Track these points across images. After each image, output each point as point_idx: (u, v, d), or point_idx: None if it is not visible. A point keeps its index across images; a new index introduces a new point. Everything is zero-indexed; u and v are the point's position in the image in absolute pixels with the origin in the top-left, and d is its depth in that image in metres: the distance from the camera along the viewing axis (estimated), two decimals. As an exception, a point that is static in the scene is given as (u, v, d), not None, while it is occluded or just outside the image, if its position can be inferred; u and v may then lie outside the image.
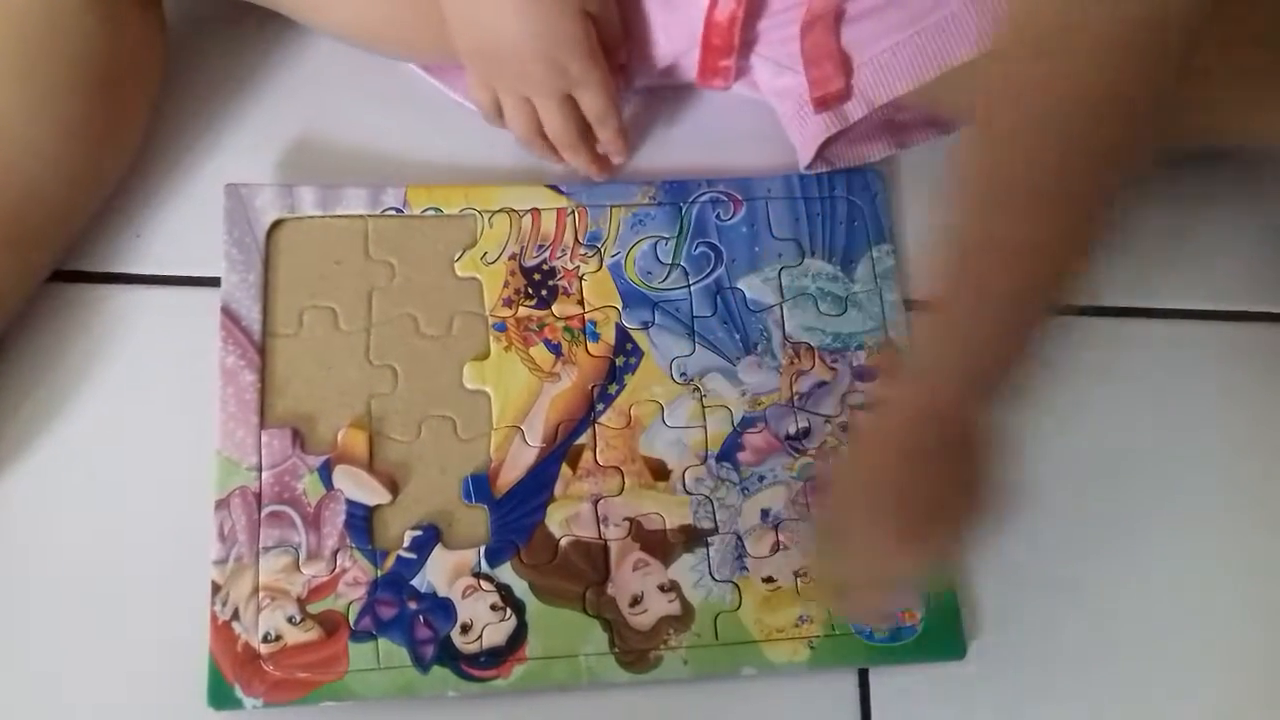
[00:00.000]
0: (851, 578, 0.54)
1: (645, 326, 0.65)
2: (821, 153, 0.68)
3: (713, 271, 0.66)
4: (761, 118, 0.70)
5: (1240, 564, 0.65)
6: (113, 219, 0.66)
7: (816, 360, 0.65)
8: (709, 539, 0.61)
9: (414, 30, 0.65)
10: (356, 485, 0.60)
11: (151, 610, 0.59)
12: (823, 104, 0.66)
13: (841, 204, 0.69)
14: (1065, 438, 0.66)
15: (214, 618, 0.57)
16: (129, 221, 0.66)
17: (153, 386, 0.63)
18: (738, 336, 0.65)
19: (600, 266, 0.66)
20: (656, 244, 0.67)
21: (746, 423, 0.63)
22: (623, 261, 0.66)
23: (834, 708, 0.60)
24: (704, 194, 0.68)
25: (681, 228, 0.67)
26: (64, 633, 0.58)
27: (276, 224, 0.64)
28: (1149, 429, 0.67)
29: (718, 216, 0.68)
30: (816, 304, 0.66)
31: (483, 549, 0.60)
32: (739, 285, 0.66)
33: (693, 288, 0.66)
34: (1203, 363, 0.69)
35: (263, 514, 0.59)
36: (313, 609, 0.58)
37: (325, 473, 0.60)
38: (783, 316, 0.66)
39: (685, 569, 0.60)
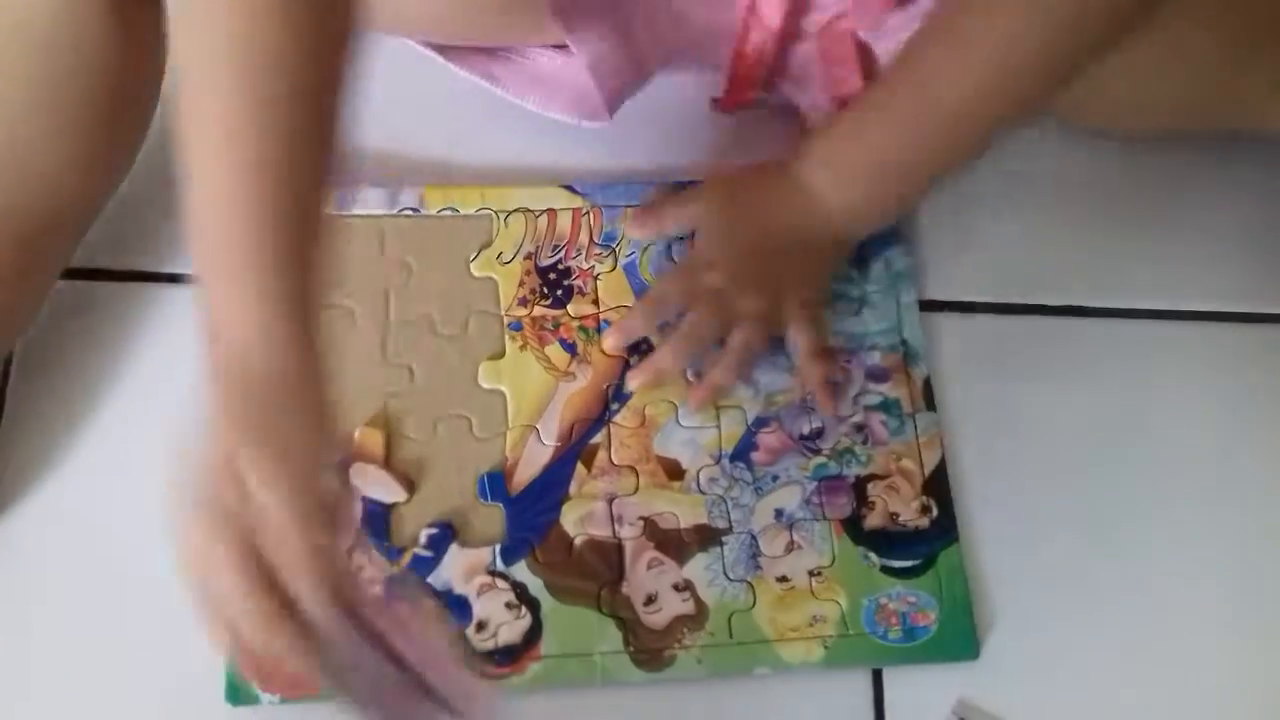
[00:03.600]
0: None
1: (660, 326, 0.65)
2: None
3: (727, 272, 0.67)
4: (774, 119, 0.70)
5: (1246, 562, 0.65)
6: (131, 217, 0.66)
7: (829, 360, 0.65)
8: (723, 538, 0.61)
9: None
10: (373, 483, 0.61)
11: (169, 607, 0.59)
12: (841, 104, 0.67)
13: (856, 205, 0.69)
14: (1071, 437, 0.66)
15: (232, 614, 0.57)
16: (147, 220, 0.66)
17: (175, 383, 0.61)
18: (752, 336, 0.65)
19: (615, 266, 0.66)
20: (670, 244, 0.67)
21: (760, 423, 0.64)
22: (637, 261, 0.67)
23: (848, 706, 0.60)
24: (718, 194, 0.68)
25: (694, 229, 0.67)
26: (85, 627, 0.59)
27: (294, 223, 0.65)
28: (1140, 428, 0.67)
29: (733, 217, 0.68)
30: (831, 304, 0.66)
31: (498, 547, 0.60)
32: (753, 285, 0.66)
33: (707, 288, 0.66)
34: (1187, 363, 0.69)
35: (280, 511, 0.59)
36: (330, 606, 0.58)
37: (342, 471, 0.61)
38: (797, 317, 0.66)
39: (699, 568, 0.60)
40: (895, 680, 0.60)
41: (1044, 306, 0.70)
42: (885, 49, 0.66)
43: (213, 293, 0.47)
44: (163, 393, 0.62)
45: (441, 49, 0.69)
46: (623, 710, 0.59)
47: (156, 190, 0.65)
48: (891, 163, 0.62)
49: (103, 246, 0.65)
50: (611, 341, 0.64)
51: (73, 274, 0.64)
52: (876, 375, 0.65)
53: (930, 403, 0.65)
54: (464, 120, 0.70)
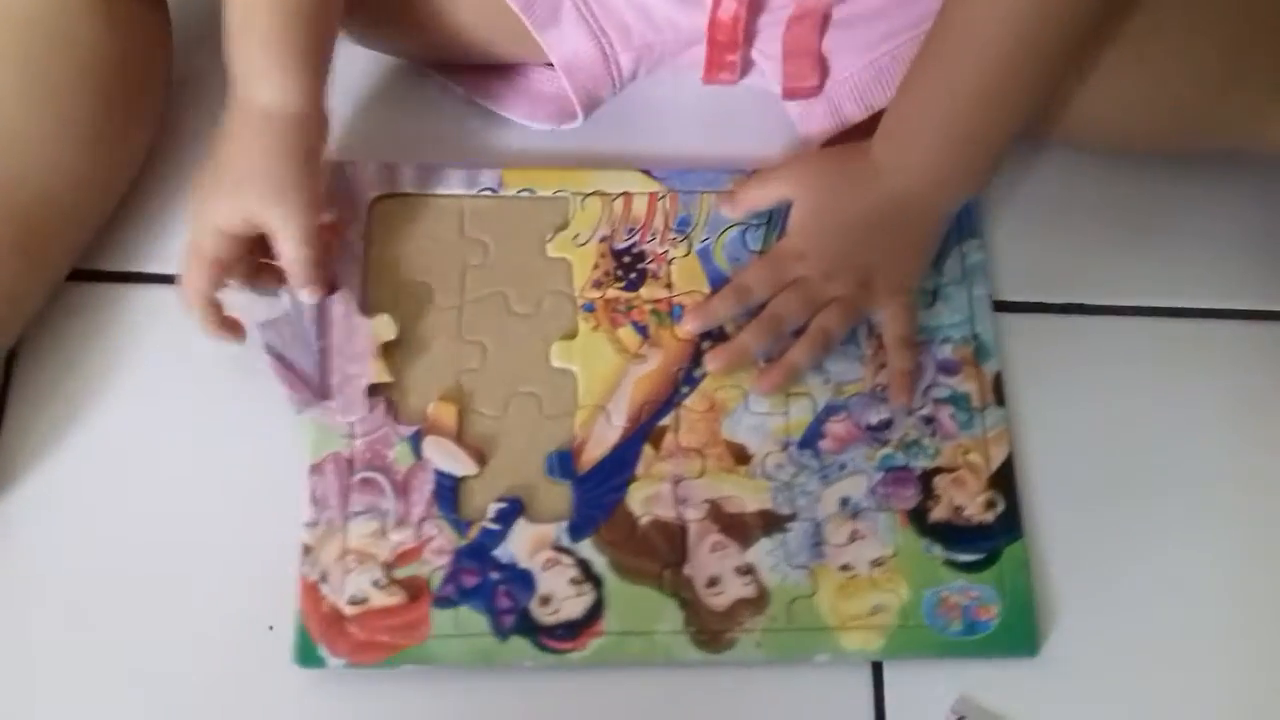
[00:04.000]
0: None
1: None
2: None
3: (801, 260, 0.67)
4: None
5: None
6: (130, 218, 0.67)
7: (901, 352, 0.65)
8: (787, 524, 0.61)
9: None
10: (445, 456, 0.62)
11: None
12: (791, 95, 0.68)
13: (933, 197, 0.68)
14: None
15: (303, 579, 0.59)
16: (147, 221, 0.67)
17: (175, 384, 0.64)
18: (823, 325, 0.65)
19: (689, 251, 0.67)
20: (745, 231, 0.67)
21: (830, 410, 0.64)
22: (712, 247, 0.67)
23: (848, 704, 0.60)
24: (795, 183, 0.68)
25: (771, 215, 0.68)
26: (96, 618, 0.60)
27: (377, 200, 0.66)
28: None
29: (807, 205, 0.68)
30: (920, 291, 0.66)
31: (565, 524, 0.61)
32: (826, 275, 0.67)
33: (780, 275, 0.66)
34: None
35: (354, 479, 0.61)
36: (398, 574, 0.59)
37: (415, 442, 0.62)
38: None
39: (762, 553, 0.61)
40: (895, 678, 0.60)
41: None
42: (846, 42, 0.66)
43: (242, 58, 0.59)
44: (161, 393, 0.64)
45: (438, 67, 0.71)
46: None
47: (157, 193, 0.68)
48: (951, 121, 0.61)
49: (103, 248, 0.66)
50: (690, 326, 0.64)
51: (74, 275, 0.65)
52: (948, 368, 0.65)
53: (1000, 398, 0.64)
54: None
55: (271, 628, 0.59)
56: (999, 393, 0.65)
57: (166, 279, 0.65)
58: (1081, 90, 0.62)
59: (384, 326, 0.63)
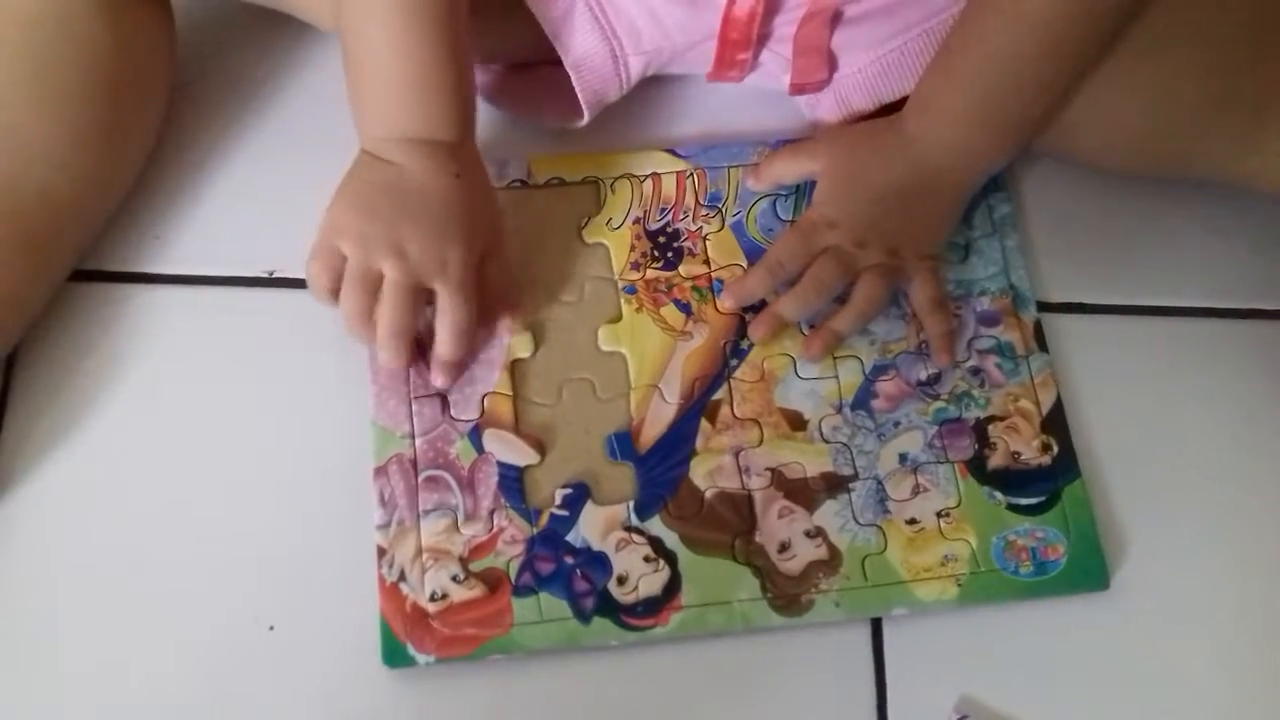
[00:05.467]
0: None
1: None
2: None
3: (833, 226, 0.68)
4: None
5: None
6: (132, 219, 0.67)
7: (941, 307, 0.66)
8: (850, 485, 0.62)
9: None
10: (506, 447, 0.62)
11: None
12: (799, 90, 0.69)
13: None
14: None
15: (381, 580, 0.59)
16: (149, 222, 0.67)
17: (177, 385, 0.64)
18: (862, 287, 0.66)
19: (723, 226, 0.68)
20: (775, 201, 0.68)
21: (878, 370, 0.65)
22: (744, 220, 0.68)
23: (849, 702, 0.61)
24: (819, 149, 0.69)
25: (800, 184, 0.68)
26: (112, 618, 0.59)
27: (411, 198, 0.66)
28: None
29: (834, 171, 0.69)
30: (944, 254, 0.67)
31: (631, 504, 0.61)
32: (860, 237, 0.67)
33: (815, 242, 0.67)
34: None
35: (420, 479, 0.61)
36: (475, 567, 0.60)
37: (475, 437, 0.62)
38: (907, 265, 0.67)
39: (829, 515, 0.62)
40: (897, 679, 0.61)
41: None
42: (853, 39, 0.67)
43: (375, 97, 0.60)
44: (162, 394, 0.64)
45: None
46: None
47: (160, 194, 0.68)
48: (985, 96, 0.63)
49: (105, 248, 0.66)
50: (728, 303, 0.65)
51: (75, 276, 0.65)
52: (988, 319, 0.66)
53: (1043, 344, 0.66)
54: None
55: (272, 628, 0.59)
56: (1040, 339, 0.66)
57: (169, 280, 0.66)
58: (1067, 106, 0.64)
59: (522, 344, 0.64)
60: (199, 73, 0.71)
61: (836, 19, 0.67)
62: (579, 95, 0.67)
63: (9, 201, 0.60)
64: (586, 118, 0.68)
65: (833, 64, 0.68)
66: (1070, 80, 0.62)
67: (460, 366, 0.62)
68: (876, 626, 0.61)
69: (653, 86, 0.71)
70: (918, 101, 0.65)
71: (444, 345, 0.61)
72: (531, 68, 0.71)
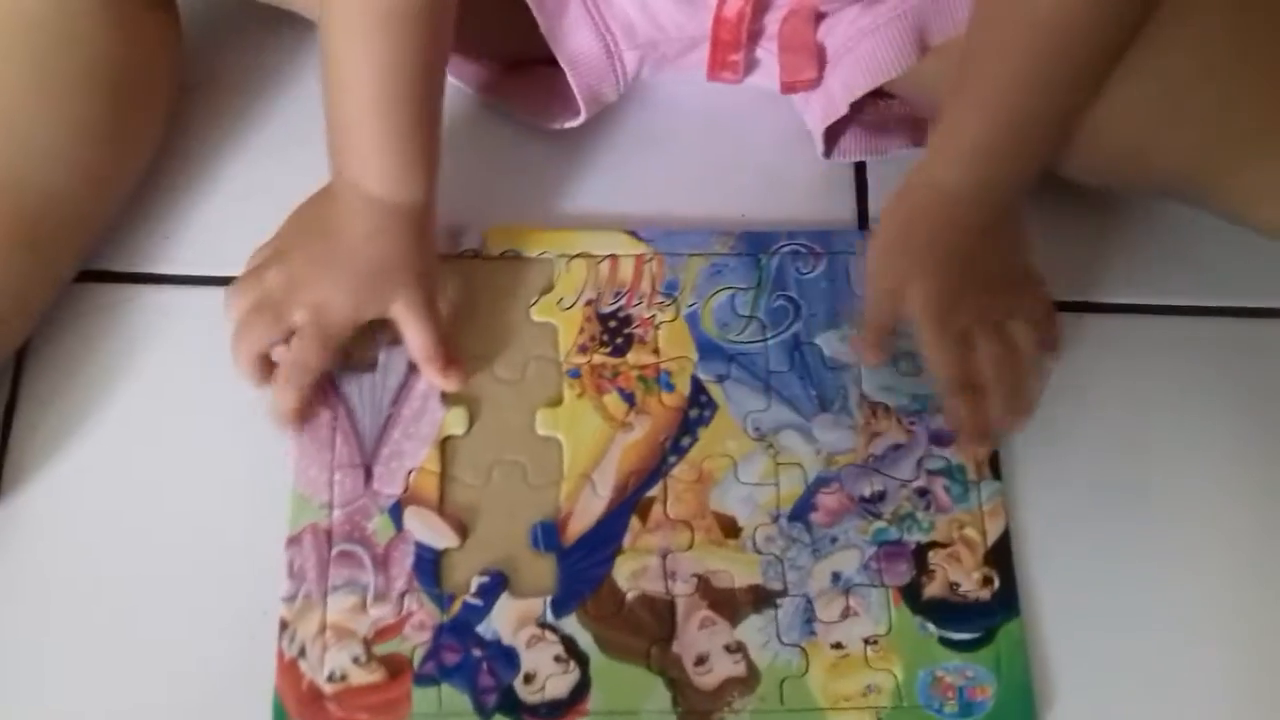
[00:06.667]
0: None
1: (720, 379, 0.64)
2: (838, 144, 0.69)
3: (791, 326, 0.66)
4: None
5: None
6: (140, 219, 0.67)
7: (893, 421, 0.64)
8: (778, 600, 0.60)
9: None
10: (426, 527, 0.60)
11: (194, 605, 0.60)
12: (789, 89, 0.68)
13: (923, 262, 0.67)
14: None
15: (280, 654, 0.57)
16: (157, 222, 0.67)
17: (184, 385, 0.64)
18: (814, 393, 0.64)
19: (677, 316, 0.66)
20: (734, 295, 0.66)
21: (820, 482, 0.62)
22: (699, 312, 0.66)
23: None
24: (784, 245, 0.67)
25: (760, 279, 0.67)
26: (96, 624, 0.59)
27: (357, 260, 0.65)
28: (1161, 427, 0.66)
29: (798, 269, 0.67)
30: (895, 363, 0.65)
31: (549, 599, 0.59)
32: (817, 341, 0.65)
33: (770, 342, 0.65)
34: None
35: (333, 552, 0.59)
36: (378, 650, 0.58)
37: (396, 513, 0.60)
38: (860, 375, 0.65)
39: (753, 630, 0.59)
40: None
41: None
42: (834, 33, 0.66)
43: (345, 147, 0.60)
44: (169, 394, 0.64)
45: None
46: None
47: (166, 194, 0.68)
48: (1002, 132, 0.60)
49: (111, 249, 0.66)
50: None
51: (81, 276, 0.65)
52: (941, 439, 0.64)
53: (996, 470, 0.63)
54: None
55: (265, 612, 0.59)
56: (995, 465, 0.63)
57: (174, 280, 0.66)
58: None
59: (457, 420, 0.62)
60: (207, 73, 0.71)
61: (819, 15, 0.66)
62: (575, 92, 0.66)
63: (12, 198, 0.60)
64: (584, 115, 0.67)
65: (822, 62, 0.67)
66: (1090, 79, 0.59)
67: (300, 414, 0.61)
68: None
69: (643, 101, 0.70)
70: (939, 158, 0.61)
71: (278, 388, 0.61)
72: (529, 66, 0.70)
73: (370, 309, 0.60)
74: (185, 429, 0.63)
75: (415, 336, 0.61)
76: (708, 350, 0.65)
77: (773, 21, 0.66)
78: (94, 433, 0.63)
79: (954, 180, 0.61)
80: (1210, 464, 0.66)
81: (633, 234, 0.67)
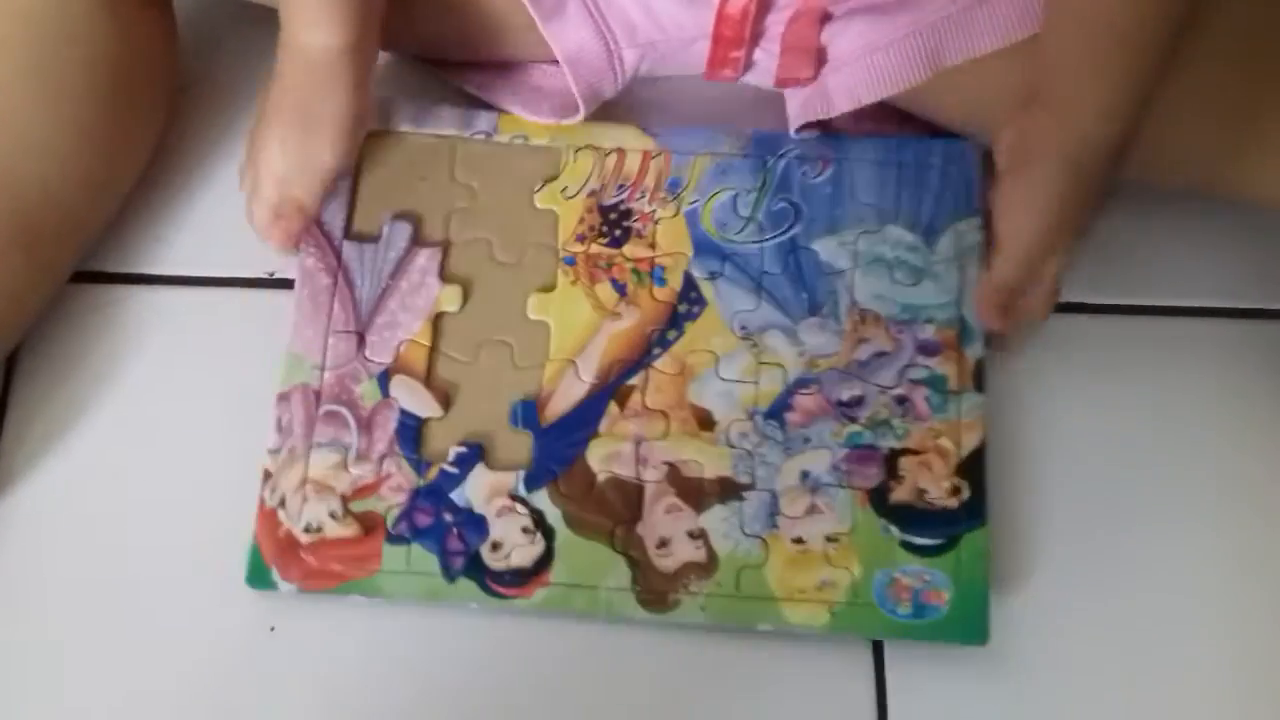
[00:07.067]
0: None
1: (713, 277, 0.65)
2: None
3: (790, 229, 0.66)
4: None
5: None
6: (134, 220, 0.67)
7: (881, 329, 0.64)
8: (744, 493, 0.61)
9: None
10: (412, 396, 0.62)
11: (180, 594, 0.61)
12: (783, 84, 0.67)
13: (934, 174, 0.67)
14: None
15: (261, 503, 0.60)
16: (150, 222, 0.68)
17: (178, 386, 0.65)
18: (804, 296, 0.64)
19: (677, 212, 0.66)
20: (736, 196, 0.67)
21: (800, 383, 0.63)
22: (700, 210, 0.66)
23: (848, 677, 0.60)
24: (793, 149, 0.67)
25: (765, 182, 0.67)
26: (90, 618, 0.60)
27: (370, 134, 0.66)
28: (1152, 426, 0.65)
29: (804, 174, 0.67)
30: (891, 272, 0.65)
31: (522, 473, 0.61)
32: (814, 246, 0.65)
33: (766, 244, 0.65)
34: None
35: (320, 411, 0.62)
36: (355, 507, 0.60)
37: (384, 380, 0.62)
38: (854, 282, 0.64)
39: (716, 519, 0.60)
40: (896, 655, 0.59)
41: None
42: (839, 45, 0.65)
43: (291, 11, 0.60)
44: (163, 394, 0.64)
45: (438, 64, 0.71)
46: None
47: (162, 194, 0.68)
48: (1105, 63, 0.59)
49: (107, 249, 0.67)
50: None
51: (77, 276, 0.65)
52: (928, 349, 0.63)
53: (980, 384, 0.63)
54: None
55: (273, 629, 0.60)
56: (979, 379, 0.63)
57: (170, 280, 0.67)
58: None
59: (451, 297, 0.64)
60: (202, 75, 0.71)
61: (825, 19, 0.65)
62: (574, 89, 0.66)
63: (9, 199, 0.60)
64: (583, 112, 0.67)
65: (819, 62, 0.67)
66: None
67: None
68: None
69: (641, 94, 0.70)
70: (1042, 100, 0.61)
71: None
72: (524, 65, 0.70)
73: (310, 161, 0.63)
74: (178, 429, 0.63)
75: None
76: (704, 248, 0.65)
77: (775, 22, 0.65)
78: (87, 433, 0.63)
79: (1104, 134, 0.60)
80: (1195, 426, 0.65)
81: (643, 129, 0.68)
